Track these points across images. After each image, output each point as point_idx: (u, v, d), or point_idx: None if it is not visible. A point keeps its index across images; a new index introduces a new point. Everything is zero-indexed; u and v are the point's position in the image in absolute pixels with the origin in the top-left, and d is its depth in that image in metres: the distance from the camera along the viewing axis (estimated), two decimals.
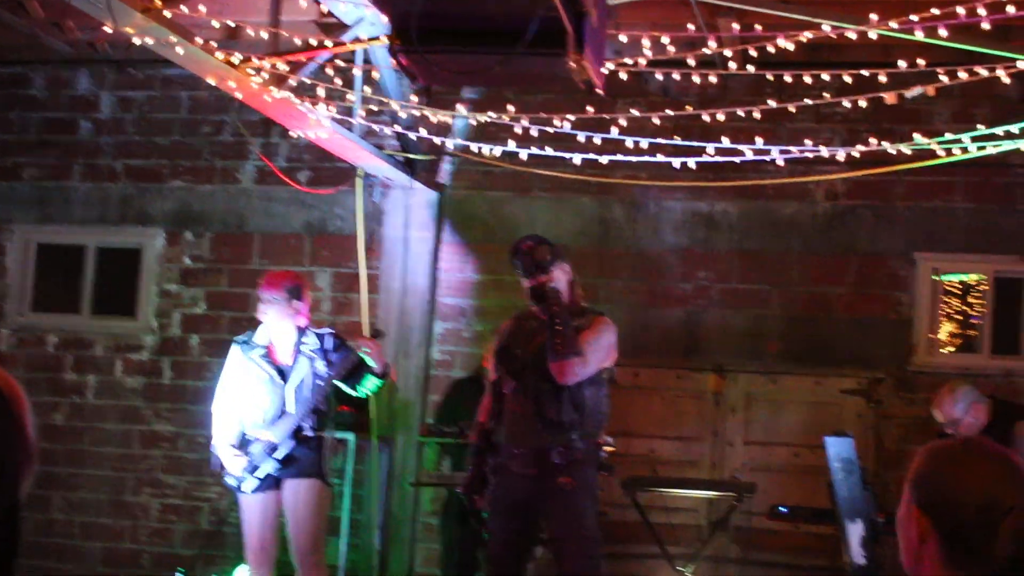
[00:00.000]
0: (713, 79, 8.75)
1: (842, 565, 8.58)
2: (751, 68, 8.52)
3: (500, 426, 7.04)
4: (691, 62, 8.06)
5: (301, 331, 8.24)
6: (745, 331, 10.51)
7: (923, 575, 2.76)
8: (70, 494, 11.56)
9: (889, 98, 7.80)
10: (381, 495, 10.68)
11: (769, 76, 8.95)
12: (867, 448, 9.88)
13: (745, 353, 10.49)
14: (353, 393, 8.35)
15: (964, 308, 10.87)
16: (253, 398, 8.18)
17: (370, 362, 8.16)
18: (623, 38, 8.23)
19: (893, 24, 7.30)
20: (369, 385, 8.26)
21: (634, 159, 9.29)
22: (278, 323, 8.20)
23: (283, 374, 8.17)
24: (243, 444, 8.19)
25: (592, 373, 6.96)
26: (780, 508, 9.39)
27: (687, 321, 10.60)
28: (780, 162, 8.97)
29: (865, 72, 8.21)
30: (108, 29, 7.52)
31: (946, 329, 10.99)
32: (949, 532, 2.68)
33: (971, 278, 10.75)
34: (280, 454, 8.03)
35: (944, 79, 7.87)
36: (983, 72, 7.76)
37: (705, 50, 8.12)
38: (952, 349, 10.99)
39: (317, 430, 8.14)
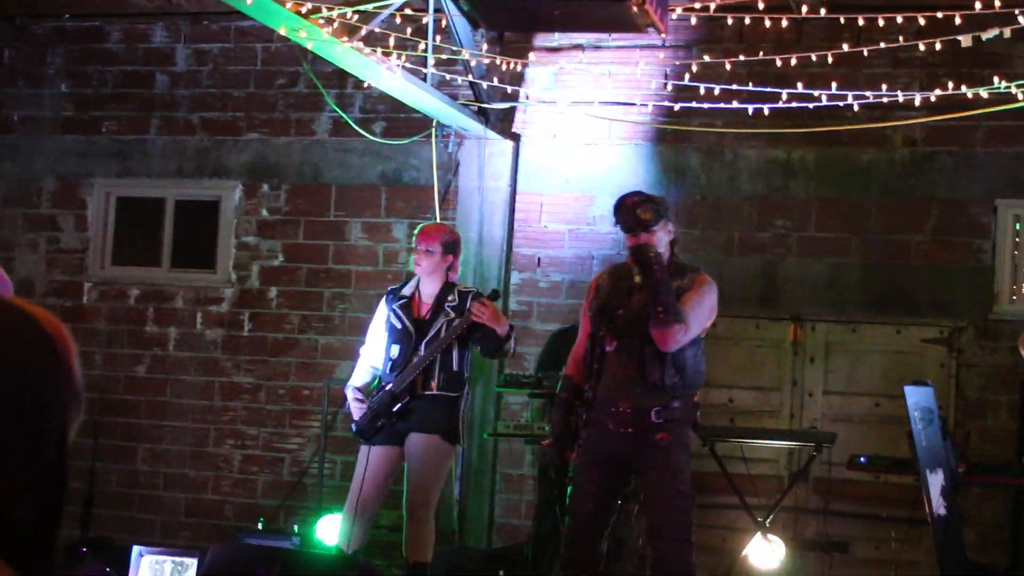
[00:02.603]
0: (786, 23, 8.63)
1: (923, 515, 8.51)
2: (824, 12, 8.39)
3: (595, 382, 6.86)
4: (761, 5, 7.94)
5: (449, 287, 8.25)
6: (824, 279, 10.39)
7: None
8: (154, 445, 11.68)
9: (965, 40, 7.66)
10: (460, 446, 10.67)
11: (842, 20, 8.81)
12: (948, 397, 9.78)
13: (824, 302, 10.38)
14: (492, 358, 8.34)
15: None
16: (387, 348, 8.21)
17: (492, 326, 8.08)
18: None
19: None
20: (494, 348, 8.20)
21: (708, 106, 9.21)
22: (428, 275, 8.20)
23: (420, 327, 8.15)
24: (371, 393, 8.23)
25: (695, 335, 6.81)
26: (860, 458, 9.30)
27: (765, 270, 10.49)
28: (856, 107, 8.84)
29: (940, 15, 8.06)
30: None
31: None
32: None
33: None
34: (397, 407, 8.03)
35: (1022, 20, 7.71)
36: None
37: None
38: None
39: (445, 389, 8.10)
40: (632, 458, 6.81)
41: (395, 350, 8.17)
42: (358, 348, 8.60)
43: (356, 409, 8.21)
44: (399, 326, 8.19)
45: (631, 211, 6.84)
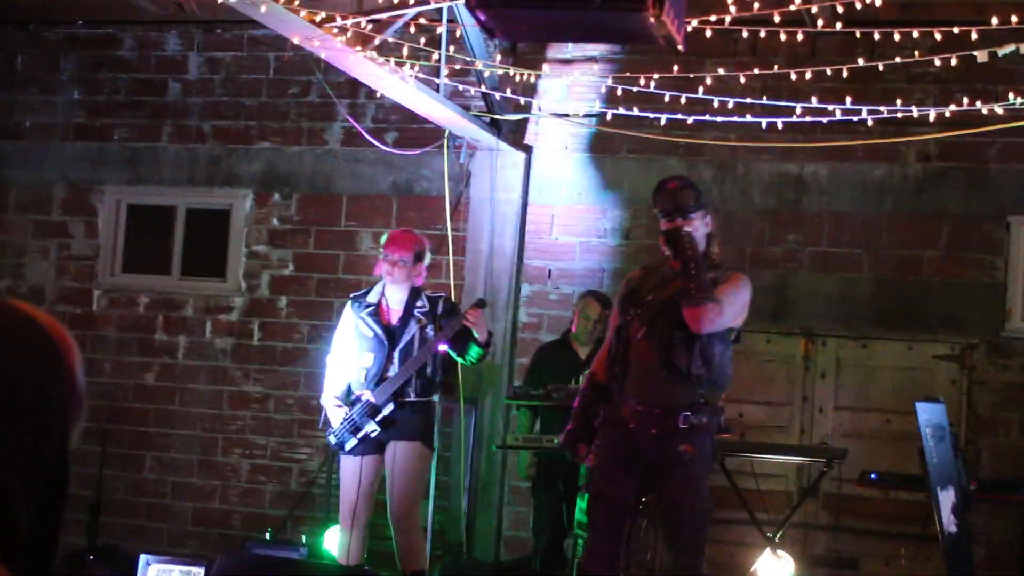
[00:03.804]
0: (801, 37, 8.61)
1: (933, 532, 8.47)
2: (839, 26, 8.36)
3: (618, 378, 6.75)
4: (777, 19, 7.91)
5: (416, 293, 8.26)
6: (835, 295, 10.35)
7: None
8: (161, 454, 11.66)
9: (981, 56, 7.63)
10: (468, 458, 10.67)
11: (857, 34, 8.79)
12: (959, 414, 9.74)
13: (835, 317, 10.34)
14: (459, 360, 8.37)
15: None
16: (358, 356, 8.23)
17: (475, 332, 8.16)
18: None
19: None
20: (472, 354, 8.27)
21: (721, 119, 9.19)
22: (398, 283, 8.22)
23: (391, 335, 8.19)
24: (348, 403, 8.26)
25: (727, 324, 6.71)
26: (870, 474, 9.27)
27: (776, 284, 10.45)
28: (870, 122, 8.81)
29: (956, 30, 8.03)
30: None
31: None
32: None
33: None
34: (380, 416, 8.07)
35: None
36: None
37: (791, 7, 7.97)
38: None
39: (422, 395, 8.16)
40: (653, 464, 6.69)
41: (368, 359, 8.21)
42: (324, 357, 8.64)
43: (336, 418, 8.22)
44: (370, 334, 8.23)
45: (671, 195, 6.75)
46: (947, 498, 8.18)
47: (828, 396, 10.30)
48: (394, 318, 8.24)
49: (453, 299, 9.01)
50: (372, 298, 8.33)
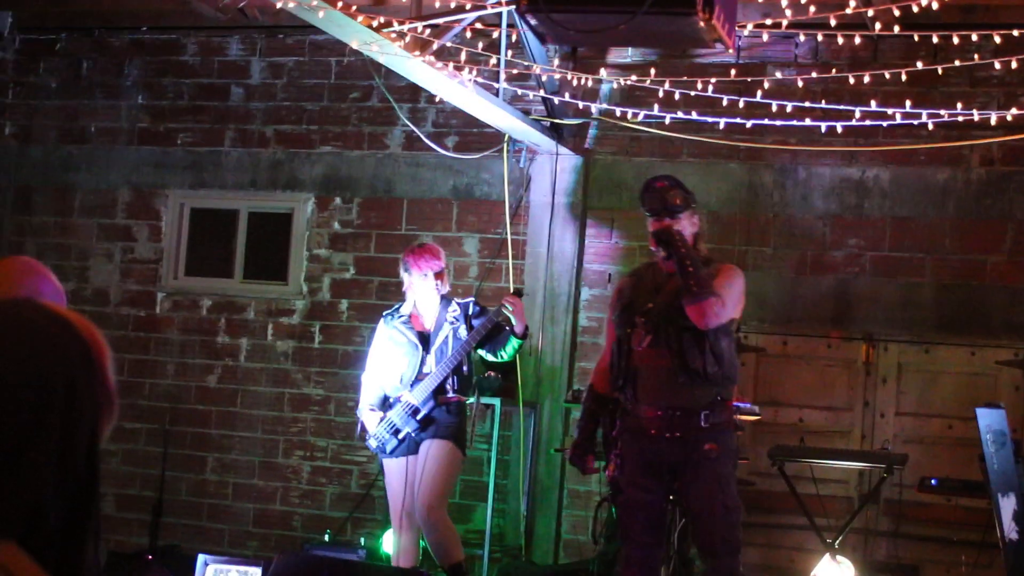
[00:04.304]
0: (860, 40, 8.56)
1: (994, 539, 8.40)
2: (898, 29, 8.31)
3: (631, 386, 6.75)
4: (833, 22, 7.87)
5: (445, 300, 8.45)
6: (897, 300, 10.28)
7: None
8: (223, 455, 11.73)
9: None
10: (528, 461, 10.68)
11: (916, 37, 8.74)
12: (1021, 420, 9.65)
13: (897, 322, 10.27)
14: (492, 358, 8.49)
15: None
16: (395, 364, 8.41)
17: (512, 320, 8.34)
18: None
19: None
20: (510, 347, 8.42)
21: (781, 123, 9.15)
22: (429, 294, 8.42)
23: (425, 341, 8.36)
24: (386, 407, 8.40)
25: (729, 316, 6.74)
26: (931, 480, 9.22)
27: (837, 289, 10.40)
28: (931, 126, 8.76)
29: (1016, 32, 7.97)
30: None
31: None
32: None
33: None
34: (421, 415, 8.20)
35: None
36: None
37: (847, 10, 7.92)
38: None
39: (460, 392, 8.32)
40: (680, 466, 6.69)
41: (404, 364, 8.52)
42: (359, 376, 8.77)
43: (375, 425, 8.38)
44: (406, 341, 8.52)
45: (659, 194, 6.81)
46: (1008, 504, 8.11)
47: (889, 401, 10.24)
48: (428, 324, 8.44)
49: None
50: (405, 310, 8.58)
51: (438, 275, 8.50)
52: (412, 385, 8.38)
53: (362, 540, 10.43)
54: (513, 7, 6.70)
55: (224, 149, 11.99)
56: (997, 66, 8.18)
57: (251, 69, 11.98)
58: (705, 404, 6.67)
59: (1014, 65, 8.05)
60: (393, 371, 8.48)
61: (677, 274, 6.64)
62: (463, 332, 8.43)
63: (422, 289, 8.49)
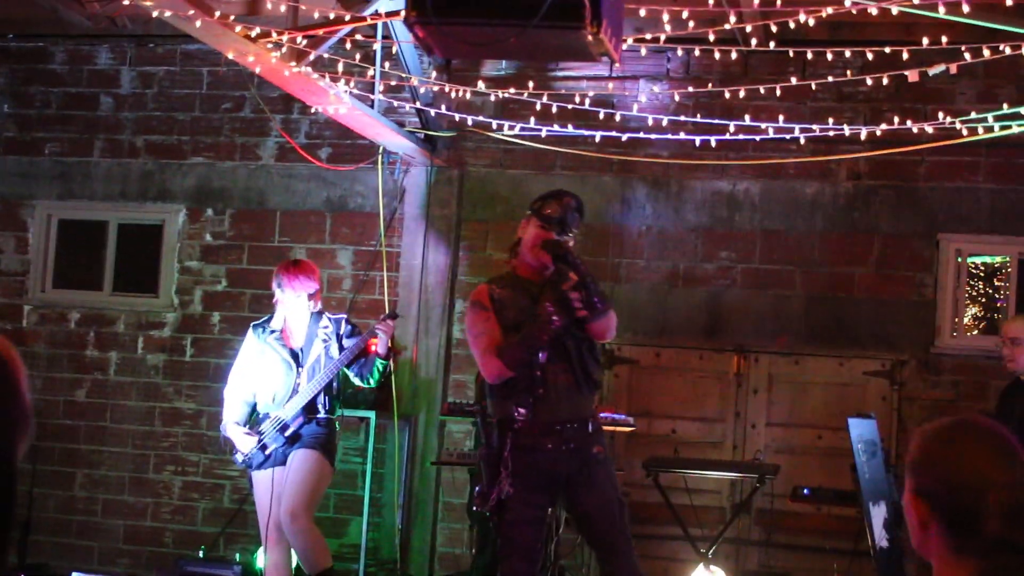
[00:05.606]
0: (734, 56, 8.67)
1: (865, 547, 8.53)
2: (772, 45, 8.43)
3: (531, 400, 6.64)
4: (711, 38, 7.96)
5: (317, 316, 8.38)
6: (767, 311, 10.42)
7: (931, 558, 2.72)
8: (92, 471, 11.56)
9: (911, 76, 7.71)
10: (402, 474, 10.65)
11: (790, 53, 8.87)
12: (890, 430, 9.83)
13: (767, 334, 10.41)
14: (359, 382, 8.44)
15: (988, 290, 10.79)
16: (267, 380, 8.35)
17: (381, 339, 8.29)
18: (643, 12, 8.09)
19: (915, 0, 7.20)
20: (376, 372, 8.38)
21: (655, 137, 9.24)
22: (300, 311, 8.34)
23: (296, 357, 8.31)
24: (256, 423, 8.32)
25: None
26: (803, 490, 9.35)
27: (709, 301, 10.51)
28: (802, 140, 8.89)
29: (887, 50, 8.12)
30: (126, 1, 7.47)
31: (970, 311, 10.92)
32: (948, 517, 2.65)
33: (995, 260, 10.66)
34: (290, 431, 8.16)
35: (967, 57, 7.78)
36: (1007, 50, 7.66)
37: (726, 26, 8.02)
38: (976, 332, 10.92)
39: (329, 412, 8.29)
40: (574, 475, 6.70)
41: (279, 384, 8.36)
42: (221, 390, 8.66)
43: (245, 442, 8.28)
44: (279, 359, 8.39)
45: (568, 210, 6.85)
46: (879, 513, 8.25)
47: (760, 412, 10.36)
48: (298, 340, 8.36)
49: (391, 309, 9.08)
50: (276, 324, 8.44)
51: (312, 296, 8.41)
52: (284, 403, 8.32)
53: (237, 556, 10.33)
54: (394, 19, 6.69)
55: (93, 159, 11.82)
56: (868, 82, 8.32)
57: (121, 78, 11.83)
58: (592, 411, 6.77)
59: (884, 81, 8.19)
60: (265, 388, 8.38)
61: (571, 289, 6.66)
62: (335, 351, 8.37)
63: (294, 307, 8.39)
